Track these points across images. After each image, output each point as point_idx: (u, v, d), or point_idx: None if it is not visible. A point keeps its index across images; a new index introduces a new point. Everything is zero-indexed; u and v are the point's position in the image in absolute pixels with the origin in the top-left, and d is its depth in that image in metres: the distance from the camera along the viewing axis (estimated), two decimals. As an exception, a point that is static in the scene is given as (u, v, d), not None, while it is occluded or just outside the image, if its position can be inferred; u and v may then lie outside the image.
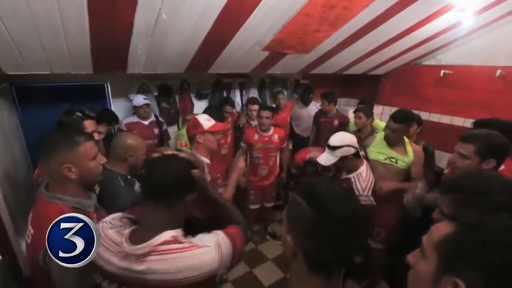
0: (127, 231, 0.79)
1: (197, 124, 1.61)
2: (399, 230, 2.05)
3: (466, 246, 0.49)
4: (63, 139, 0.95)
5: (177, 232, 0.78)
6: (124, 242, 0.75)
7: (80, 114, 1.60)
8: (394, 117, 1.85)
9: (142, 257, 0.73)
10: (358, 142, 2.48)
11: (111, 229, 0.81)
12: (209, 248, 0.77)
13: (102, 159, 1.05)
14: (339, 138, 1.68)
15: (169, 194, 0.81)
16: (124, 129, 2.51)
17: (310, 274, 0.56)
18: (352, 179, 1.68)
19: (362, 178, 1.66)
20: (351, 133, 2.71)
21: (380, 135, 2.06)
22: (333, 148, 1.66)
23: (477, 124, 1.76)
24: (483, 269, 0.46)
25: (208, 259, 0.75)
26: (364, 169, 1.71)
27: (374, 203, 1.62)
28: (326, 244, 0.54)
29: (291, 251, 0.59)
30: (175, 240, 0.76)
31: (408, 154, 1.90)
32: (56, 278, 0.84)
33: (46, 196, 0.94)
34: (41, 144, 0.96)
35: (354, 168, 1.71)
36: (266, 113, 2.48)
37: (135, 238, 0.77)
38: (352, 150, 1.65)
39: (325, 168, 1.94)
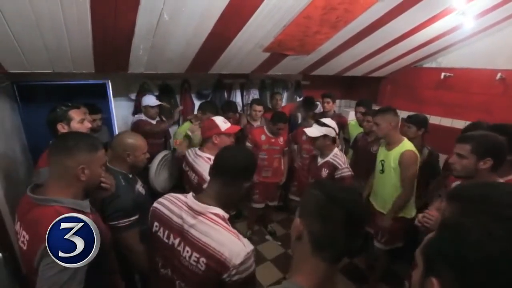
0: (189, 194, 0.97)
1: (214, 125, 1.63)
2: (405, 234, 2.03)
3: (441, 246, 0.51)
4: (85, 141, 0.99)
5: (226, 215, 0.94)
6: (190, 197, 0.95)
7: (63, 108, 1.56)
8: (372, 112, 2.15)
9: (196, 213, 0.91)
10: (365, 145, 2.51)
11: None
12: (243, 246, 0.85)
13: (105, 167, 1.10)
14: (329, 120, 2.09)
15: (230, 174, 0.96)
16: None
17: (312, 255, 0.64)
18: (331, 160, 2.04)
19: (338, 156, 2.04)
20: (355, 135, 2.72)
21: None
22: (323, 124, 2.02)
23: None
24: (454, 266, 0.47)
25: (236, 249, 0.83)
26: (336, 151, 2.08)
27: (353, 173, 2.03)
28: (330, 227, 0.62)
29: (298, 231, 0.67)
30: (223, 218, 0.92)
31: (394, 157, 1.91)
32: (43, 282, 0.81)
33: (36, 200, 0.90)
34: (59, 141, 0.98)
35: (329, 151, 2.06)
36: (282, 126, 2.55)
37: (196, 199, 0.96)
38: (333, 134, 2.02)
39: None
